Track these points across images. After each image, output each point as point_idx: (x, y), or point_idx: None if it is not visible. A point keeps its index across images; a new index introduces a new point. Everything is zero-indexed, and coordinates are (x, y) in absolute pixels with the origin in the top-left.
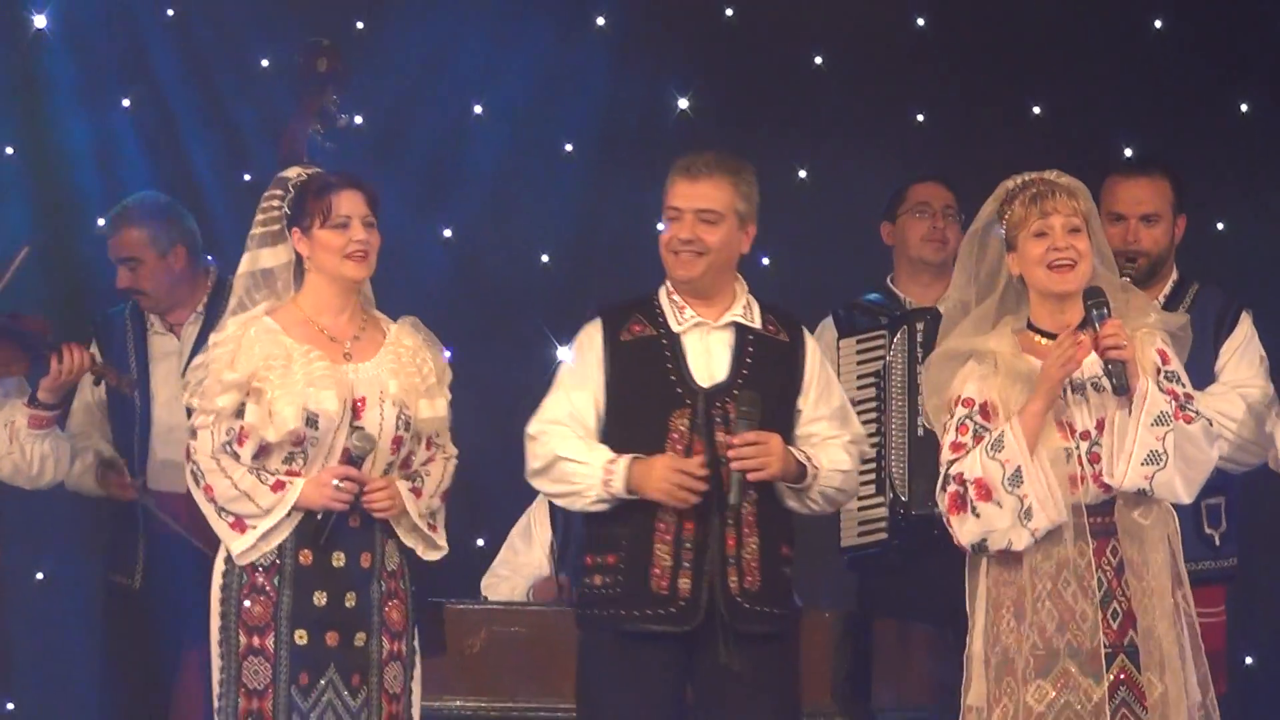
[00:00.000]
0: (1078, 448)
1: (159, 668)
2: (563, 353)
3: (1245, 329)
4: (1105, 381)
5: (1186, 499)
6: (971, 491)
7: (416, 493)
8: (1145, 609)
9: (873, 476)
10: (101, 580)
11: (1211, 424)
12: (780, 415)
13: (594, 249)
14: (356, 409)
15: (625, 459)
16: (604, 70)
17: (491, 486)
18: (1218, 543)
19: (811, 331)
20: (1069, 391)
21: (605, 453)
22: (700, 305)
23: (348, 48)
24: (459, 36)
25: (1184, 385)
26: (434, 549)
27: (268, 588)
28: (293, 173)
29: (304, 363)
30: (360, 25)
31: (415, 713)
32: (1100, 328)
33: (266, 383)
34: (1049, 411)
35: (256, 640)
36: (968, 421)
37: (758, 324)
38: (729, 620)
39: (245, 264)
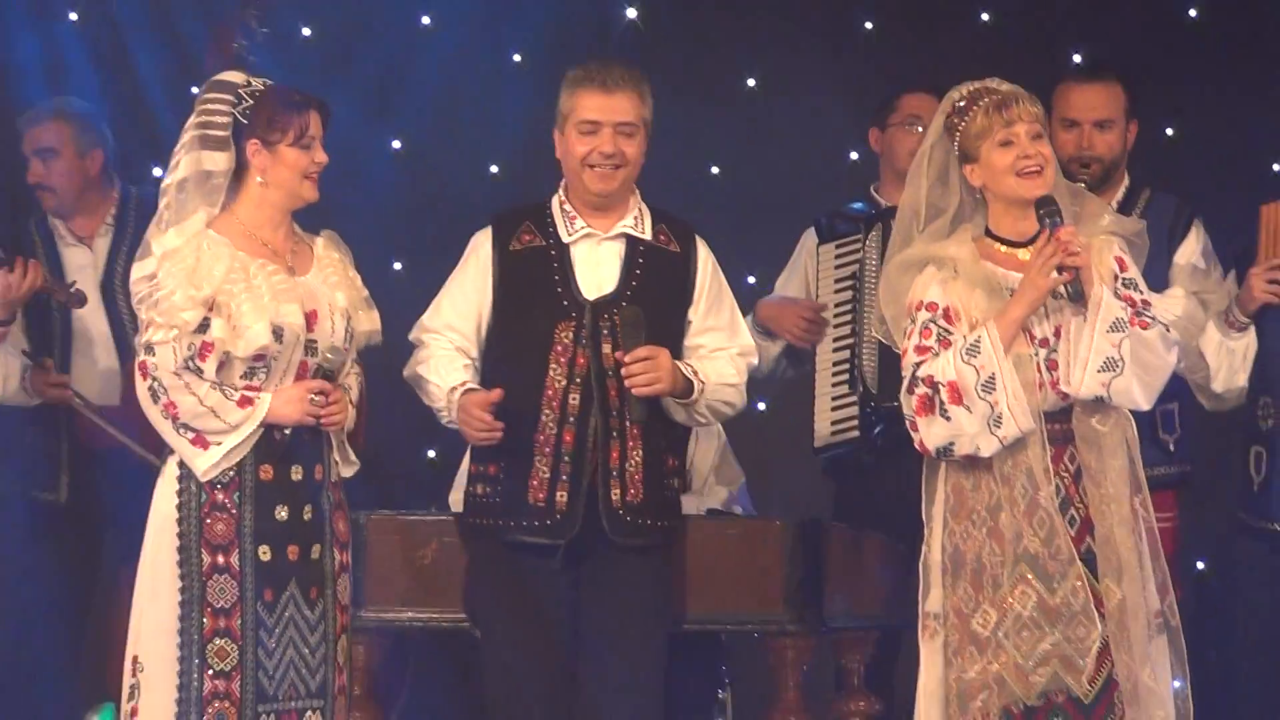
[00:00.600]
0: (1036, 354)
1: (94, 588)
2: None
3: (1198, 236)
4: (1061, 288)
5: (1145, 405)
6: (944, 394)
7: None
8: (1102, 516)
9: (845, 375)
10: (22, 497)
11: (1169, 329)
12: (671, 326)
13: (543, 159)
14: (310, 321)
15: (460, 391)
16: None
17: None
18: (1171, 448)
19: (795, 238)
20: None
21: (457, 376)
22: (593, 216)
23: None
24: None
25: (1141, 291)
26: (349, 464)
27: (229, 505)
28: (238, 78)
29: (264, 275)
30: None
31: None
32: (1054, 235)
33: (231, 296)
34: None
35: (221, 558)
36: (931, 325)
37: (648, 235)
38: (610, 534)
39: (186, 166)
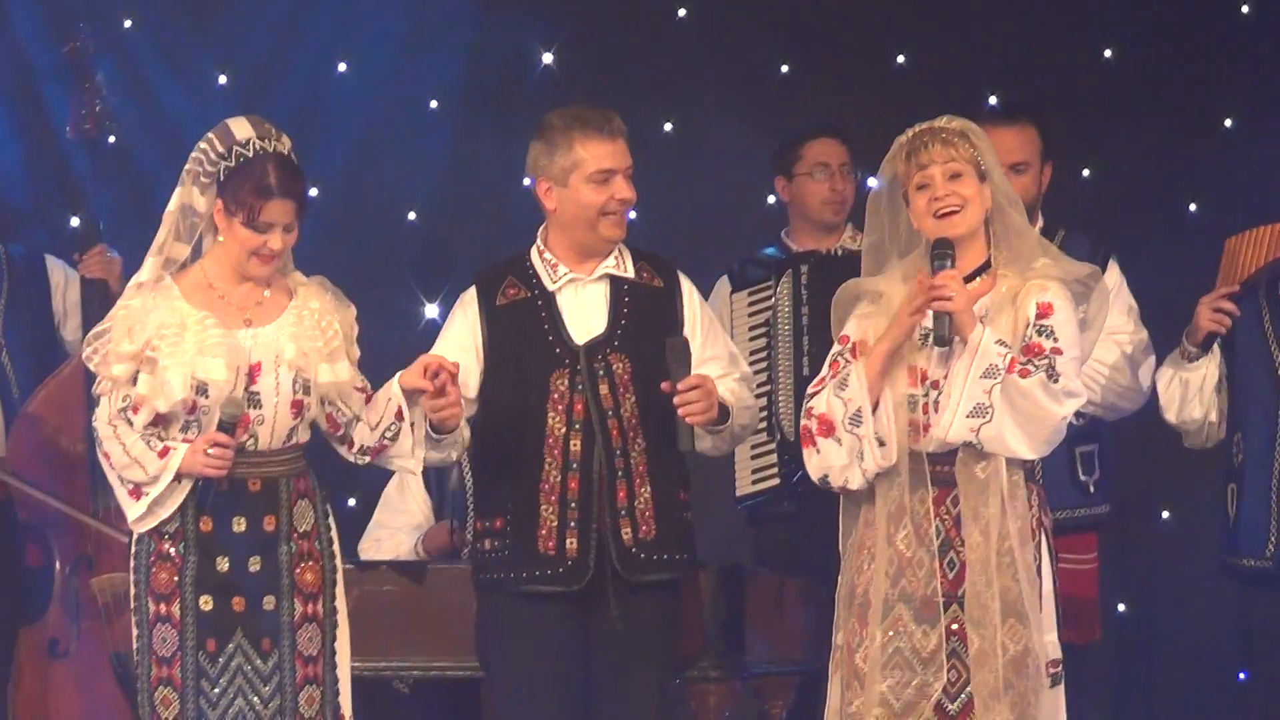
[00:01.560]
0: (925, 395)
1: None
2: (431, 310)
3: (1114, 275)
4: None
5: (1029, 454)
6: (815, 426)
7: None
8: (971, 562)
9: (763, 423)
10: None
11: (1057, 380)
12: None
13: (461, 205)
14: (252, 374)
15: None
16: (468, 26)
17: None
18: (1091, 490)
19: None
20: (924, 339)
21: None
22: (575, 262)
23: (211, 6)
24: None
25: (1055, 339)
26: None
27: (174, 554)
28: (245, 132)
29: (197, 330)
30: None
31: (342, 673)
32: (934, 278)
33: (159, 352)
34: (896, 354)
35: (164, 608)
36: (838, 358)
37: (631, 273)
38: (623, 573)
39: (179, 197)
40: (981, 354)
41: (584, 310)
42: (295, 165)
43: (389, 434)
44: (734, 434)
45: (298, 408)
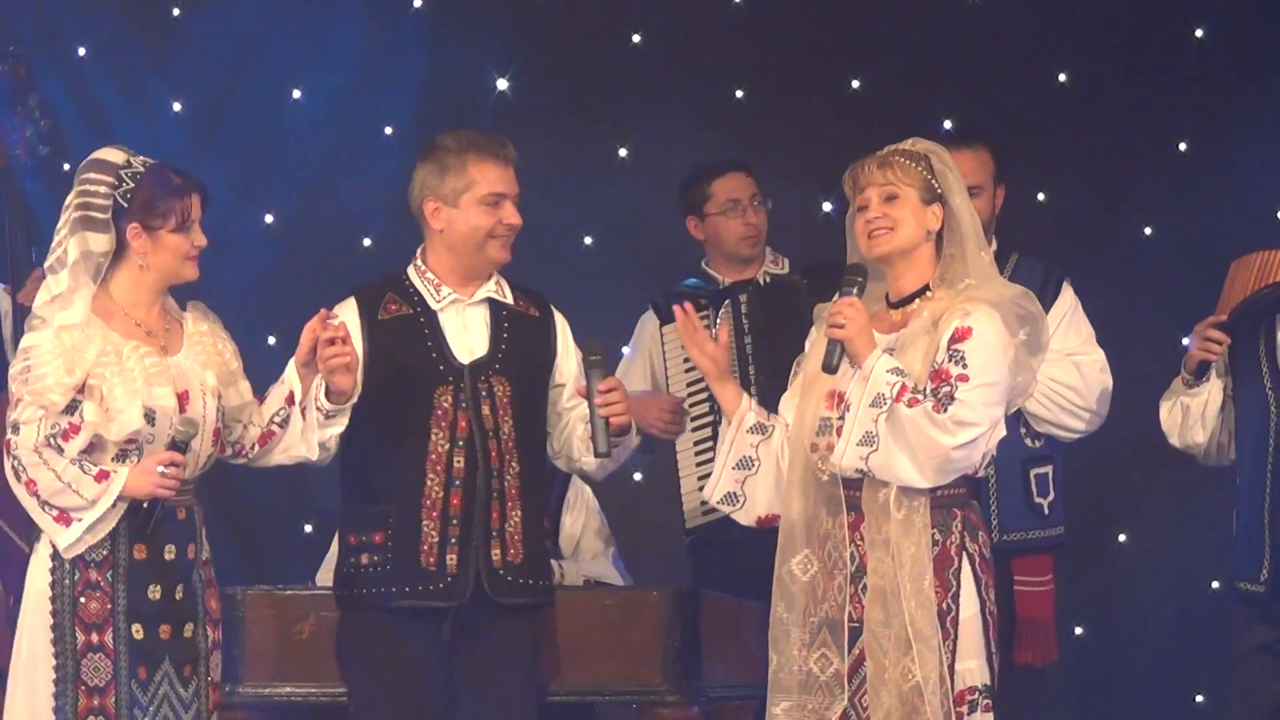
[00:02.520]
0: (840, 418)
1: None
2: None
3: (1069, 298)
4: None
5: (920, 483)
6: None
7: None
8: (873, 587)
9: (709, 454)
10: None
11: (946, 409)
12: (539, 387)
13: (416, 231)
14: (182, 402)
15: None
16: (422, 52)
17: (316, 472)
18: (1046, 511)
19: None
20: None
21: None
22: (457, 284)
23: (165, 34)
24: (276, 21)
25: (964, 366)
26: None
27: (102, 583)
28: (118, 157)
29: (137, 358)
30: (177, 12)
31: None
32: (832, 304)
33: (102, 380)
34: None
35: (95, 637)
36: (790, 379)
37: (510, 299)
38: (491, 594)
39: (76, 245)
40: (872, 382)
41: (465, 331)
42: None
43: (278, 419)
44: (630, 444)
45: (217, 435)
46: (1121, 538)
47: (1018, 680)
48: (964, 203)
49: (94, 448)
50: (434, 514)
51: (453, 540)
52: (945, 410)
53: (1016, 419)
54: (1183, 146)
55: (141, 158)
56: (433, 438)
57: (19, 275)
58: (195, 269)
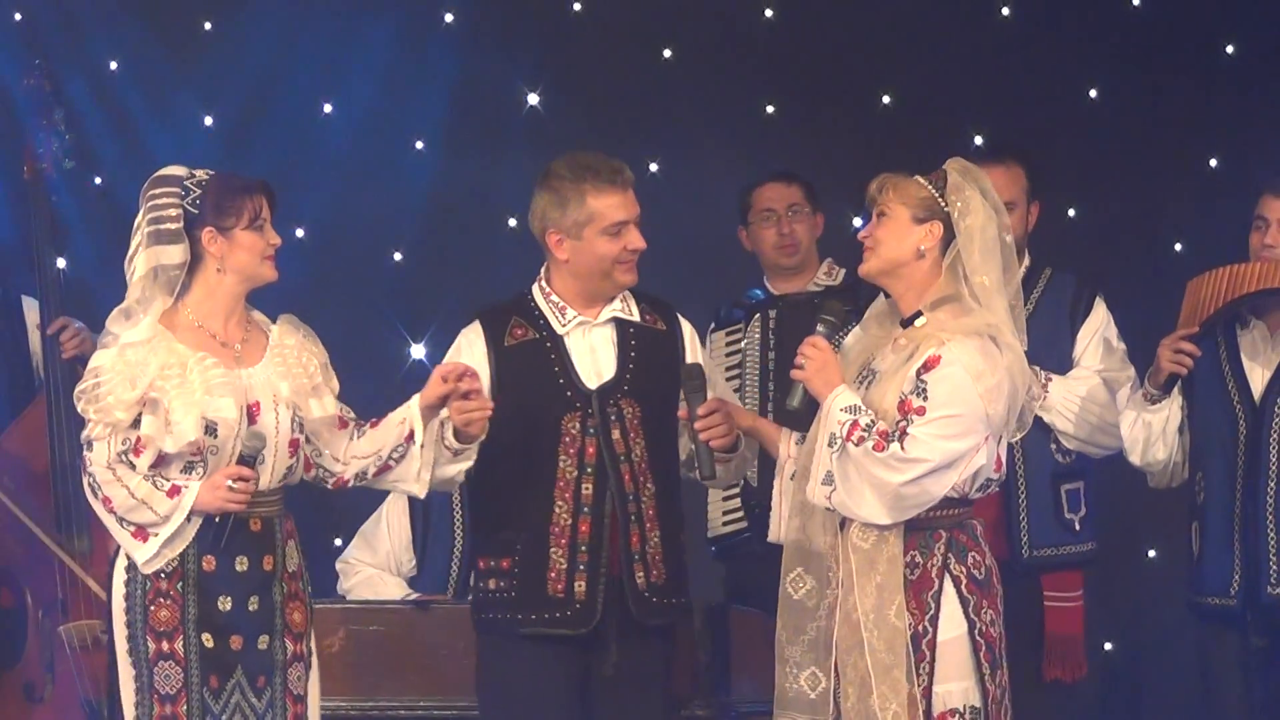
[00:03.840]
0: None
1: None
2: (417, 350)
3: (1101, 313)
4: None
5: (882, 519)
6: None
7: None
8: (845, 614)
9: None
10: None
11: (888, 447)
12: (671, 404)
13: (446, 245)
14: (252, 414)
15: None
16: (453, 67)
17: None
18: (1077, 527)
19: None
20: (862, 380)
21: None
22: (582, 305)
23: (196, 48)
24: (307, 35)
25: (924, 398)
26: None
27: (173, 593)
28: (180, 171)
29: (200, 370)
30: (208, 26)
31: (313, 713)
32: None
33: (163, 393)
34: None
35: (166, 645)
36: None
37: (636, 316)
38: (638, 616)
39: (147, 260)
40: (826, 422)
41: (592, 353)
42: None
43: (395, 455)
44: (744, 459)
45: (294, 446)
46: (1151, 554)
47: (1048, 696)
48: (978, 224)
49: (164, 462)
50: (562, 541)
51: (581, 567)
52: (887, 447)
53: (1046, 435)
54: (1214, 163)
55: (203, 169)
56: (560, 465)
57: (47, 288)
58: (273, 269)
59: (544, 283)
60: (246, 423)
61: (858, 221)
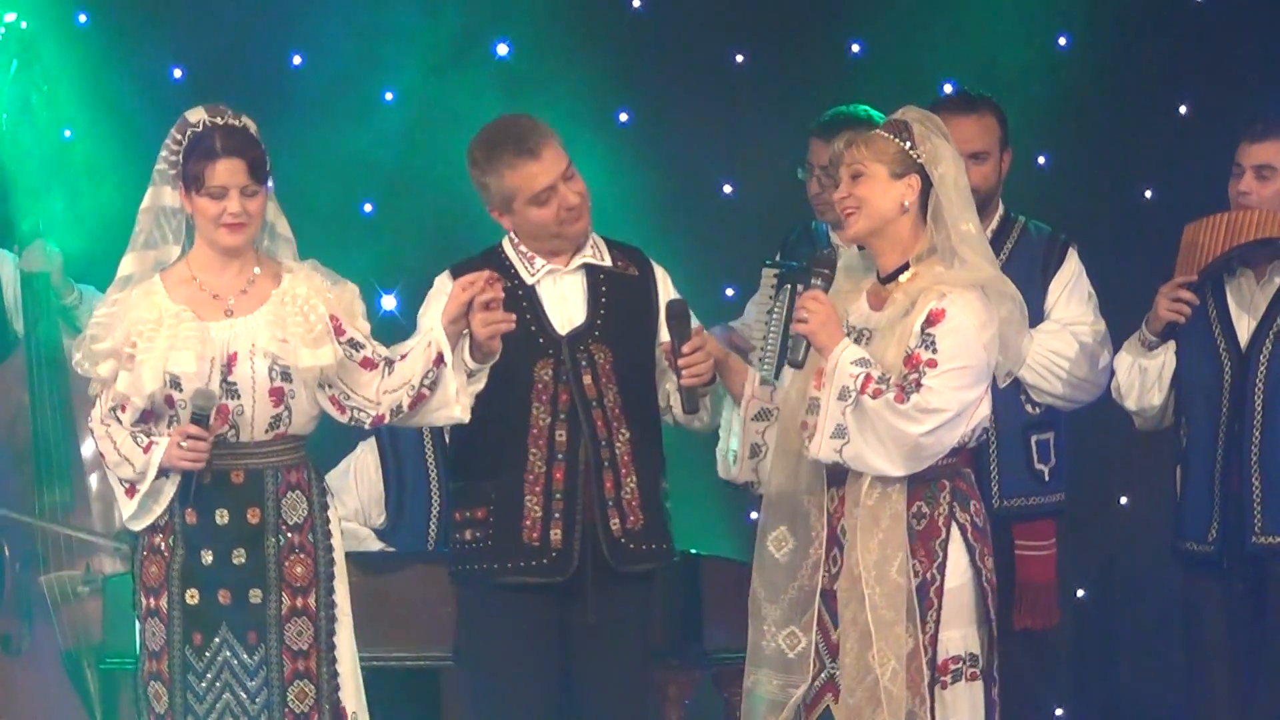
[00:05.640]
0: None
1: None
2: (388, 301)
3: (1073, 265)
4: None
5: (893, 472)
6: None
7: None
8: (848, 568)
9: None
10: None
11: (909, 398)
12: (646, 349)
13: (417, 198)
14: (230, 364)
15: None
16: (423, 18)
17: (323, 438)
18: (1047, 478)
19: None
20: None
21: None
22: (549, 255)
23: (164, 1)
24: None
25: (934, 351)
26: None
27: (163, 548)
28: (195, 115)
29: (172, 324)
30: None
31: (344, 668)
32: (801, 296)
33: (135, 348)
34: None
35: (154, 601)
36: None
37: (608, 262)
38: (613, 563)
39: (149, 198)
40: (837, 375)
41: (564, 300)
42: (247, 133)
43: (427, 382)
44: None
45: (278, 395)
46: (1123, 501)
47: (1018, 645)
48: (950, 171)
49: (147, 417)
50: (537, 489)
51: (557, 515)
52: (909, 399)
53: (1016, 386)
54: (1183, 110)
55: (226, 118)
56: (534, 412)
57: (21, 241)
58: (232, 236)
59: (513, 235)
60: (222, 375)
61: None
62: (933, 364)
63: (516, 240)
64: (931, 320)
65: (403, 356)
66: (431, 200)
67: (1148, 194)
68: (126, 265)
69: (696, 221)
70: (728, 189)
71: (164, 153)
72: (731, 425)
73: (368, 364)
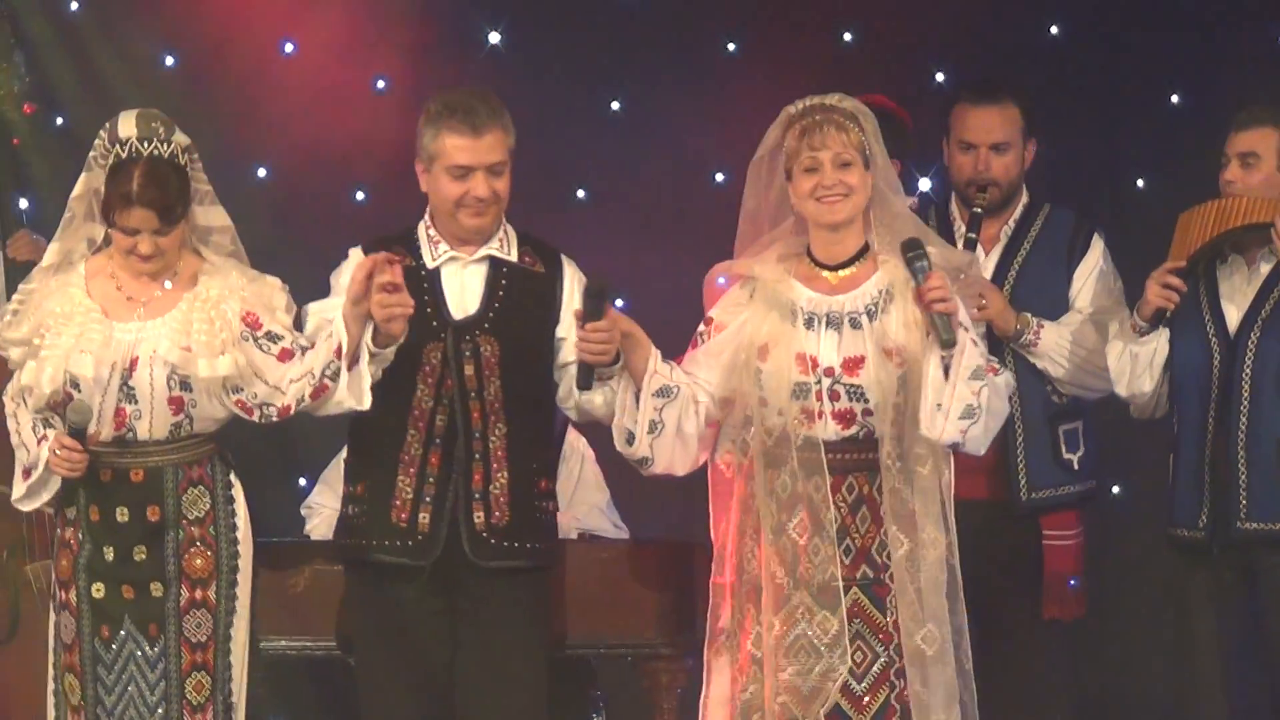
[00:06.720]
0: (818, 383)
1: None
2: None
3: (1098, 252)
4: (933, 334)
5: (981, 452)
6: None
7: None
8: (896, 548)
9: None
10: None
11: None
12: (539, 346)
13: (409, 185)
14: (131, 368)
15: None
16: (415, 5)
17: (311, 426)
18: (1076, 466)
19: None
20: (816, 323)
21: None
22: (458, 242)
23: None
24: None
25: (969, 330)
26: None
27: (72, 542)
28: (127, 130)
29: (82, 322)
30: None
31: (236, 659)
32: (925, 280)
33: (43, 342)
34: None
35: (65, 594)
36: (697, 339)
37: (513, 257)
38: (473, 557)
39: (81, 184)
40: (967, 356)
41: (463, 289)
42: (170, 170)
43: (329, 372)
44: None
45: (178, 404)
46: (1115, 490)
47: (1040, 635)
48: (886, 163)
49: (54, 405)
50: (411, 470)
51: (427, 499)
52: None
53: (1041, 377)
54: (1175, 99)
55: (155, 143)
56: (418, 394)
57: (8, 228)
58: (142, 266)
59: (428, 218)
60: (119, 379)
61: None
62: (976, 343)
63: (429, 223)
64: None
65: (313, 344)
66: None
67: (1140, 183)
68: (52, 252)
69: (689, 210)
70: (720, 178)
71: (99, 143)
72: (626, 402)
73: (285, 355)
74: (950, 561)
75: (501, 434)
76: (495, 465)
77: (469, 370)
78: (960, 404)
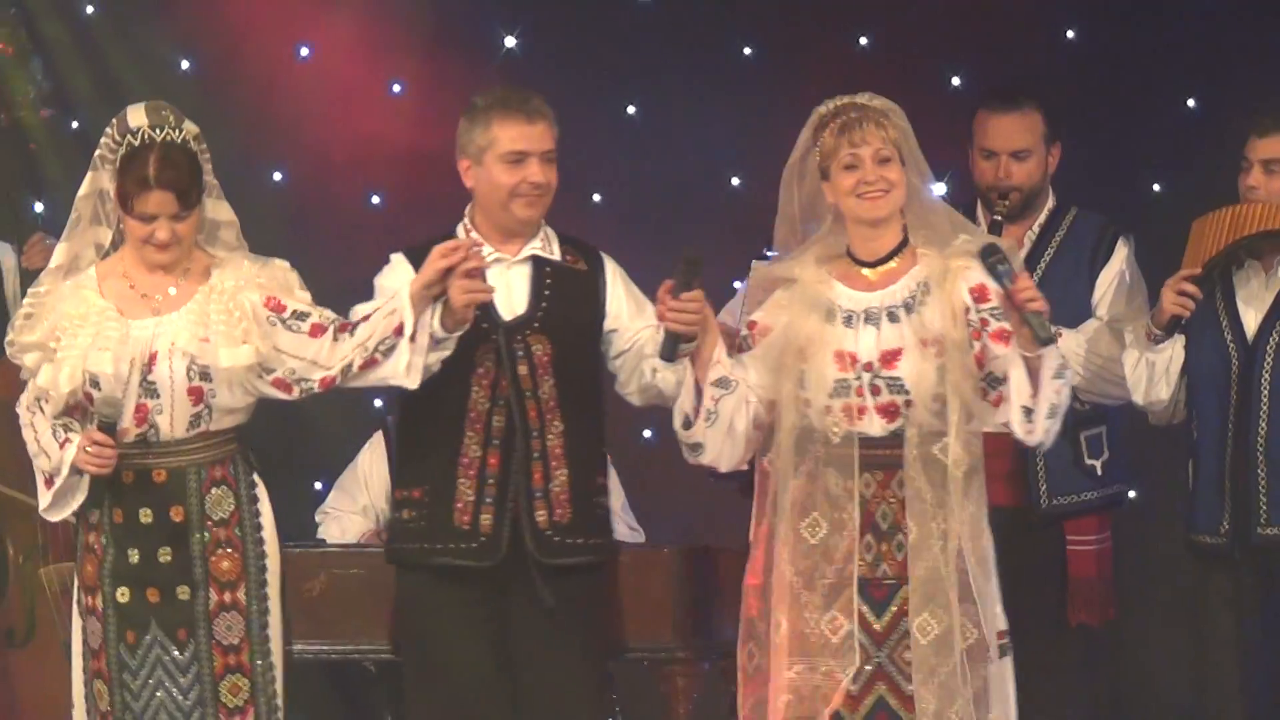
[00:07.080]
0: (859, 378)
1: None
2: None
3: (1121, 257)
4: (1025, 332)
5: (1048, 446)
6: None
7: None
8: (928, 548)
9: None
10: None
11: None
12: (587, 343)
13: (425, 189)
14: (150, 364)
15: None
16: (430, 9)
17: (327, 429)
18: (1099, 472)
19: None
20: (855, 320)
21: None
22: (501, 242)
23: None
24: None
25: (1003, 322)
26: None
27: (96, 546)
28: (137, 120)
29: (97, 322)
30: None
31: (276, 659)
32: (1013, 283)
33: (59, 344)
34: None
35: (90, 600)
36: (741, 343)
37: (556, 256)
38: (539, 555)
39: (90, 182)
40: (1053, 353)
41: (509, 289)
42: (183, 155)
43: (382, 348)
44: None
45: (197, 394)
46: (1131, 494)
47: (1069, 640)
48: (918, 154)
49: (73, 411)
50: (471, 473)
51: (488, 500)
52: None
53: None
54: (1191, 103)
55: (167, 130)
56: (473, 396)
57: (23, 234)
58: (158, 256)
59: (468, 220)
60: (139, 375)
61: None
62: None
63: (470, 226)
64: (981, 297)
65: (366, 318)
66: (439, 192)
67: (1156, 187)
68: (60, 254)
69: (705, 214)
70: (736, 181)
71: (105, 141)
72: (689, 384)
73: (317, 330)
74: (967, 555)
75: (559, 432)
76: (554, 463)
77: (523, 370)
78: (1046, 404)
